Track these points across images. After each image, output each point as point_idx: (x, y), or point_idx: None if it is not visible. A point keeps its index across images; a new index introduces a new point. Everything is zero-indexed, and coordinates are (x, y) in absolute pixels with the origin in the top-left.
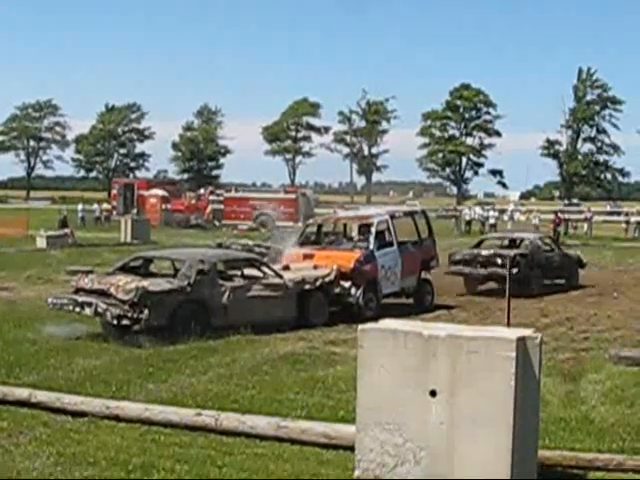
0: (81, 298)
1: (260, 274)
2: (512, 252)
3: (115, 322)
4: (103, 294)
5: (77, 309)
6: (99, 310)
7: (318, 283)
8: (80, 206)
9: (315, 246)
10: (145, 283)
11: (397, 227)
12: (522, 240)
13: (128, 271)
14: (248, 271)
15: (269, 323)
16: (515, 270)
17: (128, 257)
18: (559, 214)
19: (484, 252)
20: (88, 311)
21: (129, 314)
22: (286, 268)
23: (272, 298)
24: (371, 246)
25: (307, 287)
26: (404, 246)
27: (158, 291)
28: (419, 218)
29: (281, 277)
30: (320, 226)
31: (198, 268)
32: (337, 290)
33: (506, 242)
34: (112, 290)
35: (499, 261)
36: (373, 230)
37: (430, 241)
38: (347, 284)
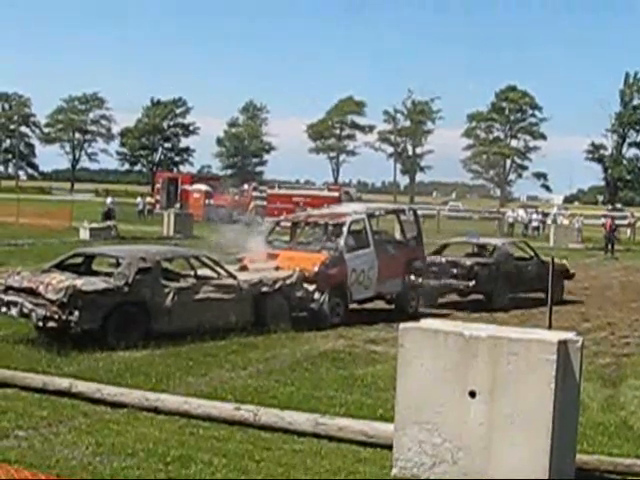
0: (7, 297)
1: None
2: (470, 261)
3: (41, 324)
4: (32, 293)
5: (3, 309)
6: (24, 311)
7: (277, 286)
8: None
9: (283, 246)
10: (78, 282)
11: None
12: (493, 247)
13: (65, 268)
14: (203, 271)
15: (220, 328)
16: (472, 283)
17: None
18: (612, 219)
19: (438, 260)
20: (14, 311)
21: (57, 316)
22: (244, 268)
23: (224, 301)
24: (340, 248)
25: (264, 289)
26: (383, 247)
27: (91, 291)
28: (406, 217)
29: (235, 278)
30: (294, 224)
31: (138, 266)
32: (299, 294)
33: (474, 248)
34: (41, 289)
35: (455, 271)
36: (344, 230)
37: (417, 241)
38: (311, 288)
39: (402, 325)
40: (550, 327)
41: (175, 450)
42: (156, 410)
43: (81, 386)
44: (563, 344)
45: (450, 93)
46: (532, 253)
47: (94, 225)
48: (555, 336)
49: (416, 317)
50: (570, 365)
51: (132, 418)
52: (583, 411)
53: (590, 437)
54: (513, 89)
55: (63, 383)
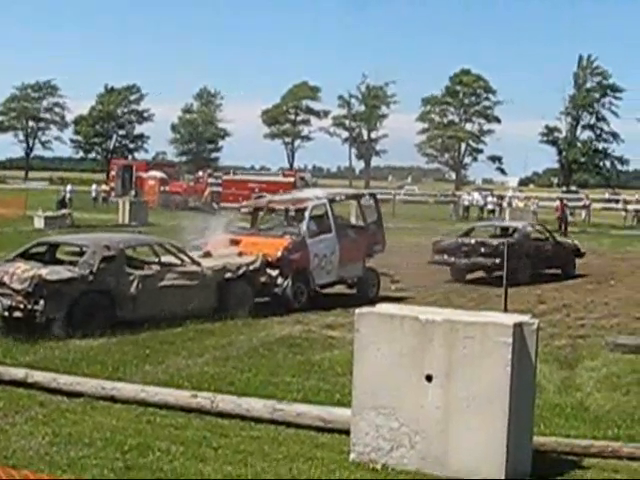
0: None
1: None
2: (496, 241)
3: (6, 314)
4: None
5: None
6: None
7: (241, 272)
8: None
9: (245, 231)
10: (43, 271)
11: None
12: (514, 229)
13: (30, 258)
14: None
15: (185, 315)
16: (498, 260)
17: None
18: (561, 201)
19: (468, 241)
20: None
21: (22, 305)
22: (207, 255)
23: (188, 287)
24: (302, 232)
25: (228, 276)
26: (344, 232)
27: (56, 280)
28: (366, 201)
29: (199, 264)
30: (256, 209)
31: (103, 255)
32: (263, 279)
33: (497, 230)
34: (6, 279)
35: (482, 250)
36: (307, 215)
37: (377, 226)
38: (274, 273)
39: (358, 310)
40: (506, 310)
41: (132, 439)
42: (113, 399)
43: (37, 376)
44: (519, 327)
45: (404, 77)
46: (548, 234)
47: (49, 213)
48: (511, 319)
49: (375, 302)
50: (526, 348)
51: (89, 407)
52: (540, 393)
53: (547, 419)
54: (467, 73)
55: (19, 373)
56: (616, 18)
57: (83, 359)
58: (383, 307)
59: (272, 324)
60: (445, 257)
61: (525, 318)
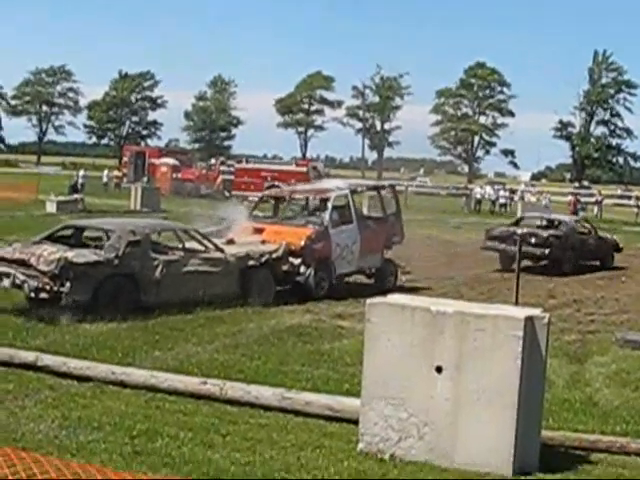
0: (0, 268)
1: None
2: (546, 233)
3: (33, 295)
4: (24, 264)
5: None
6: (17, 282)
7: (264, 259)
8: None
9: (267, 220)
10: (69, 254)
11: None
12: (559, 221)
13: (56, 240)
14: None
15: (207, 301)
16: (547, 251)
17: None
18: (576, 197)
19: (519, 230)
20: (6, 282)
21: (49, 287)
22: (231, 242)
23: (211, 274)
24: (325, 222)
25: (251, 263)
26: (365, 222)
27: (82, 263)
28: (386, 193)
29: (222, 251)
30: (277, 199)
31: (128, 239)
32: (285, 268)
33: (544, 222)
34: (32, 260)
35: (533, 240)
36: (329, 205)
37: (395, 217)
38: (297, 261)
39: (369, 300)
40: (517, 303)
41: (141, 424)
42: (122, 384)
43: (47, 359)
44: (530, 320)
45: (419, 69)
46: (590, 228)
47: (61, 198)
48: (522, 312)
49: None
50: (536, 341)
51: (98, 392)
52: (549, 387)
53: (556, 413)
54: (482, 66)
55: (29, 356)
56: (633, 13)
57: (93, 344)
58: (394, 297)
59: (282, 313)
60: (497, 244)
61: (536, 312)
